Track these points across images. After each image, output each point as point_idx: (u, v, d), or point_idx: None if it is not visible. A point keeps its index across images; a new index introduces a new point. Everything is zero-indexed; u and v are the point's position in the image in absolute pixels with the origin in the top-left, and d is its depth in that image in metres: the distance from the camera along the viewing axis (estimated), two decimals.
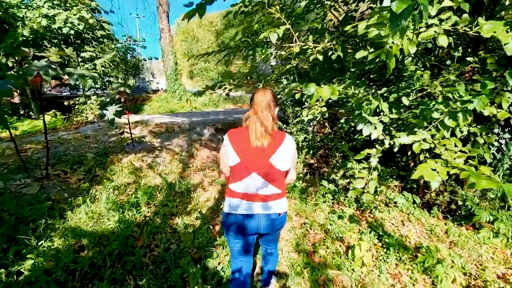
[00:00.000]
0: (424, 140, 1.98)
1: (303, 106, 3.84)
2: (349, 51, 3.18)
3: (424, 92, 2.64)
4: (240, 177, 1.31)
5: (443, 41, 1.71)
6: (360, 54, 2.22)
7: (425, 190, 3.49)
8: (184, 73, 23.81)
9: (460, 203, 3.08)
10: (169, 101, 12.29)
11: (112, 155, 3.63)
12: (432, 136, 2.01)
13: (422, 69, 2.61)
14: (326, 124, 4.26)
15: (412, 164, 3.55)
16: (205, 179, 3.49)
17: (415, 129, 2.16)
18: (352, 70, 3.50)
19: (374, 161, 2.20)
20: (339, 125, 3.16)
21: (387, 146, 2.30)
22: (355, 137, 3.15)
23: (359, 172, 2.23)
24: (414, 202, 3.29)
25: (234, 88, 3.21)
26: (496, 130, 2.64)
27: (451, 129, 1.93)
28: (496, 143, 2.68)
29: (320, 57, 2.59)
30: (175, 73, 12.82)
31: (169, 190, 3.01)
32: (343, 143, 3.01)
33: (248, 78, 3.46)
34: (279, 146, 1.31)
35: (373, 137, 2.14)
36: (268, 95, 1.33)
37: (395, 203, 3.24)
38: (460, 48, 2.80)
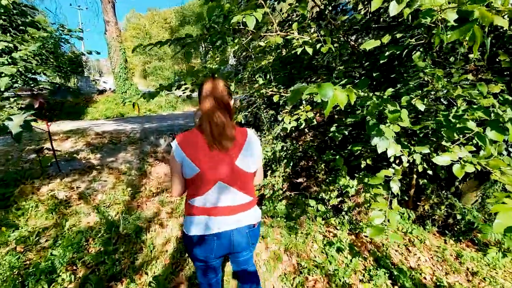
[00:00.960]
0: (465, 159, 1.50)
1: (281, 110, 3.24)
2: (335, 44, 2.69)
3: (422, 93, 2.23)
4: (203, 189, 1.08)
5: (501, 21, 1.23)
6: (370, 45, 1.74)
7: (418, 203, 3.15)
8: (136, 72, 21.97)
9: (459, 217, 2.77)
10: (118, 103, 10.85)
11: (25, 183, 2.57)
12: (472, 153, 1.54)
13: (432, 66, 2.17)
14: (306, 130, 3.72)
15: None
16: (163, 209, 2.65)
17: (443, 143, 1.68)
18: (340, 67, 3.00)
19: (395, 186, 1.66)
20: (330, 134, 2.62)
21: (406, 165, 1.80)
22: (349, 147, 2.65)
23: (374, 202, 1.68)
24: (408, 218, 2.91)
25: (195, 88, 2.53)
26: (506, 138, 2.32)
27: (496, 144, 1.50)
28: (504, 152, 2.37)
29: (310, 50, 2.05)
30: (125, 71, 11.39)
31: (110, 233, 2.13)
32: (337, 157, 2.46)
33: (216, 76, 2.74)
34: (244, 144, 1.10)
35: (389, 154, 1.60)
36: (220, 84, 1.08)
37: (388, 220, 2.81)
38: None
